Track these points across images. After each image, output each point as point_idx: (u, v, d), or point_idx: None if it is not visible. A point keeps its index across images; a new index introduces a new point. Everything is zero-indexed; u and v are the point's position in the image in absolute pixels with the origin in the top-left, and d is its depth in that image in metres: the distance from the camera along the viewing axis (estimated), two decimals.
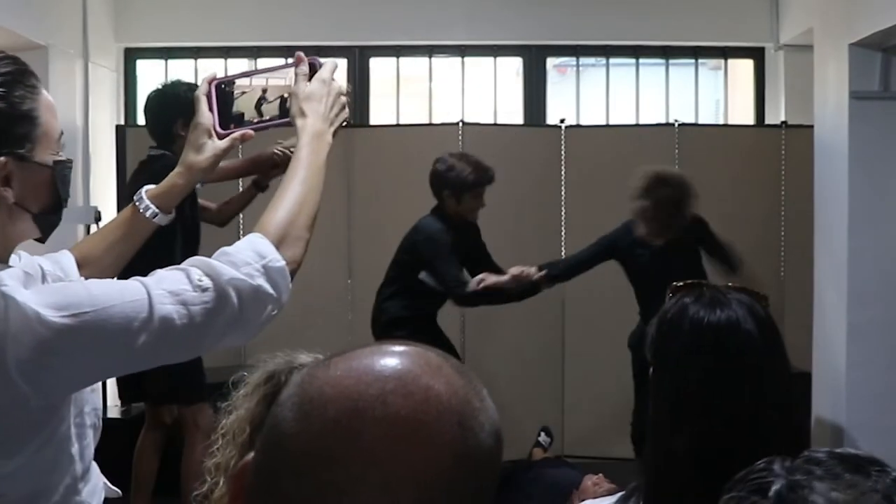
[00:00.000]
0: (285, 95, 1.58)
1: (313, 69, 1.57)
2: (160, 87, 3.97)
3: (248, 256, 1.36)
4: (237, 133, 1.57)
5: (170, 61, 5.84)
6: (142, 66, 5.90)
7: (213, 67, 5.92)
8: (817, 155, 4.52)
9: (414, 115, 5.82)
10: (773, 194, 5.35)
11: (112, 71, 5.65)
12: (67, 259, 1.52)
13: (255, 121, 1.58)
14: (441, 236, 4.26)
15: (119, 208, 5.04)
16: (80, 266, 1.52)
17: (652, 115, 5.75)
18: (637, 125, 5.69)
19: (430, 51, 5.81)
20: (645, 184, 4.22)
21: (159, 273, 1.32)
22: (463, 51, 5.81)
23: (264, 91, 1.61)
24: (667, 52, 5.83)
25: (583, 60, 5.96)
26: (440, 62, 5.93)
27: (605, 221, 5.33)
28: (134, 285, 1.29)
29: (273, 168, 3.77)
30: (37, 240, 1.41)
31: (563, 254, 5.37)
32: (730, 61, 5.97)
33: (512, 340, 5.30)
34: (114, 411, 4.97)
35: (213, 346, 1.36)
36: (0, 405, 1.22)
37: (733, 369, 1.46)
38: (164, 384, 3.68)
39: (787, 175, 5.33)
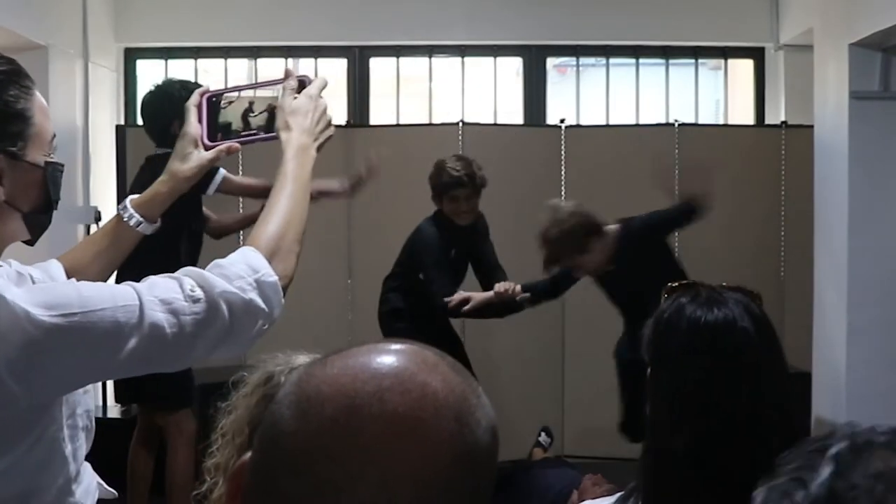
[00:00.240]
0: (273, 109, 1.59)
1: (302, 85, 1.59)
2: (154, 87, 3.96)
3: (241, 270, 1.36)
4: (223, 146, 1.59)
5: (170, 61, 5.84)
6: (142, 66, 5.90)
7: (213, 67, 5.92)
8: (817, 155, 4.52)
9: (414, 115, 5.82)
10: (773, 194, 5.35)
11: (112, 71, 5.65)
12: (56, 268, 1.52)
13: (242, 133, 1.60)
14: (432, 241, 4.27)
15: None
16: (68, 275, 1.52)
17: (652, 115, 5.74)
18: (637, 125, 5.69)
19: (430, 51, 5.81)
20: (544, 239, 4.07)
21: (152, 279, 1.32)
22: (463, 51, 5.81)
23: (251, 103, 1.63)
24: (667, 52, 5.83)
25: (583, 60, 5.96)
26: (440, 62, 5.93)
27: (605, 221, 5.34)
28: (126, 290, 1.28)
29: None
30: (25, 242, 1.40)
31: None
32: (730, 61, 5.97)
33: (512, 340, 5.30)
34: (113, 411, 4.98)
35: (204, 357, 1.35)
36: None
37: (731, 368, 1.47)
38: (152, 389, 3.68)
39: (787, 175, 5.33)
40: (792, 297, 5.22)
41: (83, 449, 1.41)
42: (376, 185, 4.45)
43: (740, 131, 5.70)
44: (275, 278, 1.39)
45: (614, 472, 3.74)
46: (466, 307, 4.07)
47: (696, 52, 5.89)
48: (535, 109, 5.92)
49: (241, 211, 5.22)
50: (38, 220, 1.39)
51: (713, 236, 5.33)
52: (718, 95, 6.17)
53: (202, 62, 5.87)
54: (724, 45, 5.88)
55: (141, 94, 5.87)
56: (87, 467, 1.44)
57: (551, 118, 5.79)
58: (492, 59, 5.86)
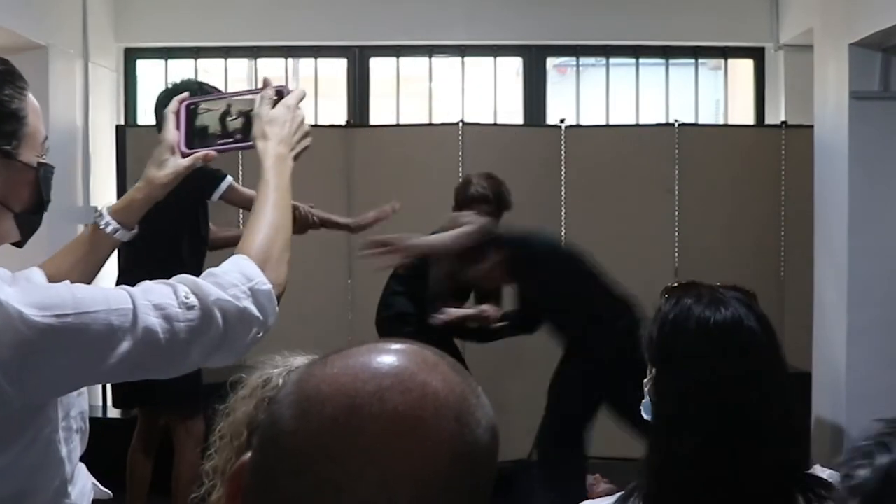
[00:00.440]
0: (249, 116, 1.60)
1: (280, 95, 1.60)
2: (171, 85, 3.97)
3: (235, 278, 1.36)
4: (200, 153, 1.59)
5: (170, 61, 5.84)
6: (142, 66, 5.90)
7: (213, 67, 5.92)
8: (817, 155, 4.52)
9: (414, 115, 5.82)
10: (773, 194, 5.35)
11: (112, 71, 5.65)
12: (38, 276, 1.51)
13: (219, 142, 1.61)
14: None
15: None
16: (50, 283, 1.52)
17: (652, 115, 5.74)
18: (637, 125, 5.69)
19: (430, 51, 5.81)
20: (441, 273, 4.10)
21: (146, 284, 1.32)
22: (463, 51, 5.81)
23: (229, 106, 1.63)
24: (667, 52, 5.83)
25: (583, 60, 5.96)
26: (440, 62, 5.93)
27: (605, 221, 5.35)
28: (120, 293, 1.28)
29: (303, 227, 3.83)
30: (14, 244, 1.40)
31: None
32: (730, 61, 5.97)
33: (512, 340, 5.29)
34: (113, 412, 4.98)
35: (198, 365, 1.35)
36: None
37: (739, 367, 1.49)
38: (165, 394, 3.67)
39: (787, 175, 5.33)
40: (792, 297, 5.22)
41: (78, 451, 1.40)
42: (376, 185, 4.47)
43: (740, 131, 5.70)
44: (269, 286, 1.39)
45: (614, 472, 3.74)
46: (445, 318, 4.06)
47: (696, 52, 5.89)
48: (535, 109, 5.92)
49: (241, 223, 5.23)
50: (29, 221, 1.39)
51: (713, 236, 5.33)
52: (718, 95, 6.17)
53: (202, 62, 5.87)
54: (724, 45, 5.88)
55: (141, 94, 5.91)
56: (81, 468, 1.44)
57: (551, 118, 5.79)
58: (492, 59, 5.86)
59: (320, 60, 5.88)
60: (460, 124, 5.31)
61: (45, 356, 1.21)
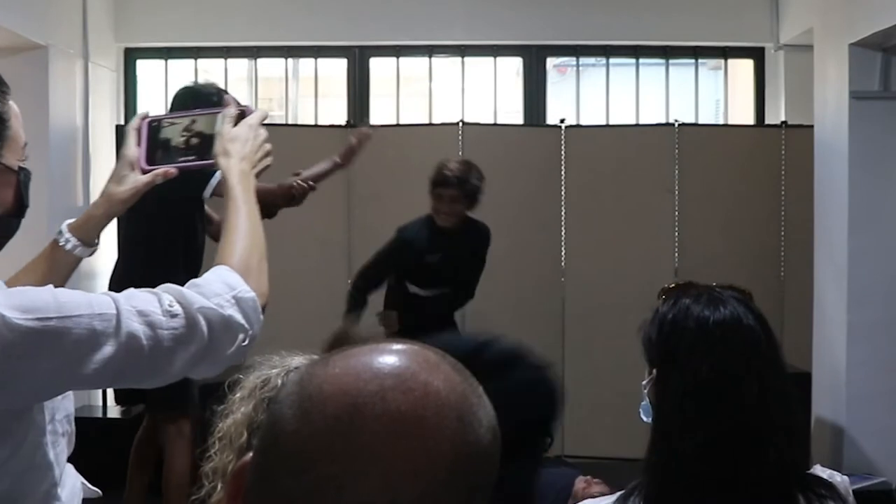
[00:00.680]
0: (212, 134, 1.60)
1: (243, 114, 1.60)
2: (191, 84, 3.96)
3: (219, 287, 1.36)
4: (160, 170, 1.59)
5: (170, 61, 5.84)
6: (142, 66, 5.90)
7: (213, 67, 5.92)
8: (817, 155, 4.52)
9: (414, 115, 5.83)
10: (773, 194, 5.35)
11: (112, 71, 5.65)
12: None
13: (180, 159, 1.61)
14: (397, 235, 4.32)
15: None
16: None
17: (652, 115, 5.74)
18: (637, 125, 5.69)
19: (430, 51, 5.81)
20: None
21: (130, 291, 1.31)
22: (463, 51, 5.81)
23: (191, 123, 1.64)
24: (667, 52, 5.83)
25: (583, 60, 5.95)
26: (440, 62, 5.93)
27: (605, 221, 5.35)
28: (103, 299, 1.27)
29: (290, 199, 3.80)
30: None
31: (563, 254, 5.38)
32: (730, 61, 5.97)
33: (512, 339, 5.30)
34: (113, 411, 4.98)
35: (183, 374, 1.34)
36: None
37: (740, 365, 1.49)
38: (156, 394, 3.67)
39: (787, 175, 5.33)
40: (792, 297, 5.22)
41: (65, 453, 1.40)
42: (376, 185, 4.47)
43: (740, 131, 5.70)
44: (252, 294, 1.39)
45: (614, 472, 3.74)
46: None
47: (696, 52, 5.89)
48: (535, 109, 5.92)
49: None
50: (8, 224, 1.38)
51: (713, 236, 5.33)
52: (718, 95, 6.17)
53: (202, 62, 5.87)
54: (724, 45, 5.88)
55: (141, 94, 5.91)
56: (69, 469, 1.43)
57: (551, 118, 5.79)
58: (492, 59, 5.86)
59: (320, 60, 5.88)
60: (460, 124, 5.31)
61: (27, 361, 1.19)
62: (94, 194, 5.25)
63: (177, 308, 1.30)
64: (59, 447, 1.36)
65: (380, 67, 5.92)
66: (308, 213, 4.43)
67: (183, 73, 5.86)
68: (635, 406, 1.67)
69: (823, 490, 1.48)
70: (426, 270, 4.31)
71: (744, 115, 6.00)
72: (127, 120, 5.70)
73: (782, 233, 5.38)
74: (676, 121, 5.44)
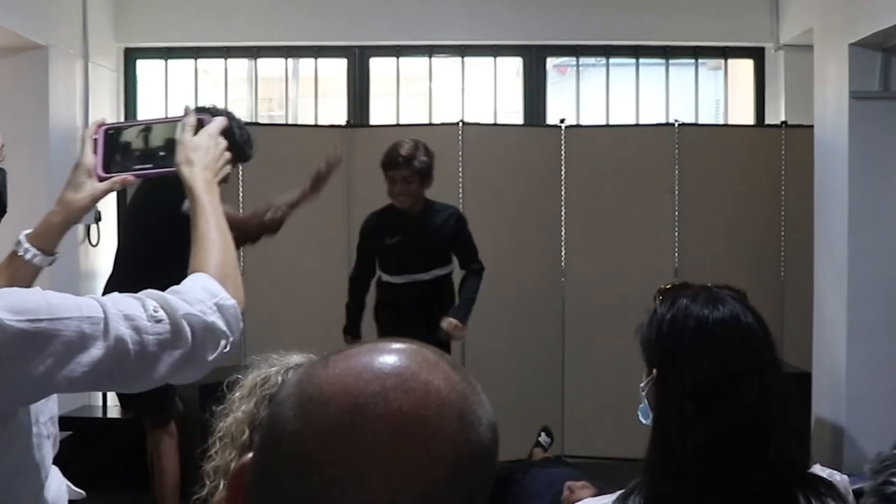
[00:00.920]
0: (170, 142, 1.60)
1: (201, 124, 1.60)
2: (212, 107, 3.99)
3: (201, 294, 1.37)
4: (117, 178, 1.59)
5: (170, 61, 5.84)
6: (142, 66, 5.90)
7: (213, 67, 5.93)
8: (817, 155, 4.52)
9: (414, 115, 5.83)
10: (773, 194, 5.35)
11: (112, 71, 5.65)
12: None
13: (137, 166, 1.61)
14: (362, 227, 4.41)
15: (119, 209, 5.04)
16: None
17: (652, 115, 5.75)
18: (637, 125, 5.69)
19: (430, 51, 5.81)
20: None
21: (115, 295, 1.32)
22: (463, 51, 5.81)
23: (149, 131, 1.63)
24: (667, 52, 5.83)
25: (583, 60, 5.96)
26: (440, 62, 5.93)
27: (605, 221, 5.35)
28: (90, 302, 1.28)
29: (265, 229, 3.89)
30: None
31: (563, 254, 5.38)
32: (730, 61, 5.97)
33: (512, 340, 5.30)
34: (114, 411, 4.98)
35: (165, 380, 1.34)
36: None
37: (739, 363, 1.50)
38: (140, 397, 3.69)
39: (787, 175, 5.33)
40: (792, 297, 5.22)
41: (50, 456, 1.40)
42: (376, 185, 4.45)
43: (740, 131, 5.70)
44: (233, 302, 1.40)
45: (614, 472, 3.75)
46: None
47: (696, 52, 5.89)
48: (535, 109, 5.92)
49: (240, 208, 5.22)
50: None
51: (713, 236, 5.34)
52: (718, 95, 6.17)
53: (202, 62, 5.87)
54: (724, 45, 5.88)
55: (141, 94, 5.91)
56: (54, 472, 1.44)
57: (551, 118, 5.79)
58: (492, 59, 5.86)
59: (320, 60, 5.88)
60: (460, 124, 5.32)
61: (17, 361, 1.20)
62: None
63: (161, 314, 1.30)
64: (44, 450, 1.36)
65: (380, 67, 5.92)
66: (308, 213, 4.43)
67: (183, 73, 5.86)
68: (635, 406, 1.67)
69: (823, 489, 1.49)
70: (388, 254, 4.33)
71: (744, 115, 6.00)
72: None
73: (782, 233, 5.38)
74: (676, 121, 5.44)
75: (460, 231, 4.39)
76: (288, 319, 4.94)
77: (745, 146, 5.46)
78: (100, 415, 4.94)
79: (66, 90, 4.99)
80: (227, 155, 1.60)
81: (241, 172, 5.18)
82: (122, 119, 5.71)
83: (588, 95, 5.93)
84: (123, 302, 1.30)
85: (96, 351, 1.24)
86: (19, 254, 1.55)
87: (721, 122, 6.04)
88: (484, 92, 5.86)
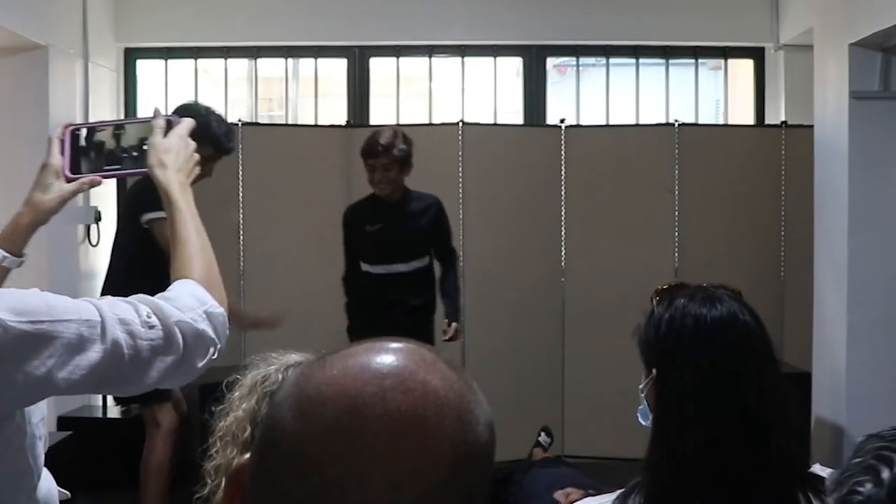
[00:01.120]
0: (140, 143, 1.59)
1: (170, 125, 1.59)
2: (181, 105, 4.03)
3: (191, 302, 1.37)
4: (85, 179, 1.58)
5: (170, 61, 5.84)
6: (142, 66, 5.90)
7: (213, 67, 5.93)
8: (817, 155, 4.52)
9: (414, 115, 5.83)
10: (773, 194, 5.35)
11: (112, 71, 5.65)
12: None
13: (105, 168, 1.59)
14: (344, 219, 4.43)
15: (118, 209, 5.04)
16: None
17: (652, 115, 5.75)
18: (637, 125, 5.69)
19: (430, 51, 5.81)
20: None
21: (110, 299, 1.32)
22: (463, 51, 5.81)
23: (117, 132, 1.61)
24: (667, 52, 5.83)
25: (583, 60, 5.96)
26: (440, 62, 5.93)
27: (605, 221, 5.35)
28: (88, 306, 1.28)
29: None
30: None
31: (563, 254, 5.38)
32: (730, 61, 5.97)
33: (512, 339, 5.30)
34: (114, 411, 4.98)
35: (159, 384, 1.35)
36: None
37: (738, 362, 1.50)
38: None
39: (787, 175, 5.33)
40: (792, 297, 5.22)
41: (42, 457, 1.40)
42: None
43: (740, 131, 5.70)
44: (221, 310, 1.40)
45: (614, 472, 3.75)
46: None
47: (696, 52, 5.89)
48: (535, 109, 5.92)
49: (241, 208, 5.23)
50: None
51: (713, 236, 5.34)
52: (718, 95, 6.17)
53: (202, 62, 5.88)
54: (724, 45, 5.88)
55: (141, 94, 5.91)
56: (45, 473, 1.44)
57: (551, 118, 5.79)
58: (492, 59, 5.86)
59: (320, 60, 5.88)
60: (460, 124, 5.32)
61: (18, 363, 1.19)
62: (95, 194, 5.27)
63: (154, 320, 1.31)
64: (37, 450, 1.36)
65: (380, 67, 5.92)
66: (308, 213, 4.44)
67: (183, 73, 5.86)
68: (635, 406, 1.67)
69: (823, 488, 1.49)
70: (369, 242, 4.34)
71: (744, 115, 6.01)
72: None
73: (782, 233, 5.38)
74: (676, 121, 5.44)
75: (440, 219, 4.43)
76: (288, 319, 4.94)
77: (745, 146, 5.46)
78: (100, 415, 4.94)
79: (66, 90, 4.99)
80: (196, 157, 1.59)
81: (241, 172, 5.18)
82: (123, 118, 5.70)
83: (588, 95, 5.93)
84: (118, 306, 1.30)
85: (94, 354, 1.24)
86: None
87: (721, 122, 6.05)
88: (484, 92, 5.86)
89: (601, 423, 5.17)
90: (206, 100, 5.79)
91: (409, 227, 4.35)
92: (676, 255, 5.34)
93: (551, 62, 6.11)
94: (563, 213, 5.36)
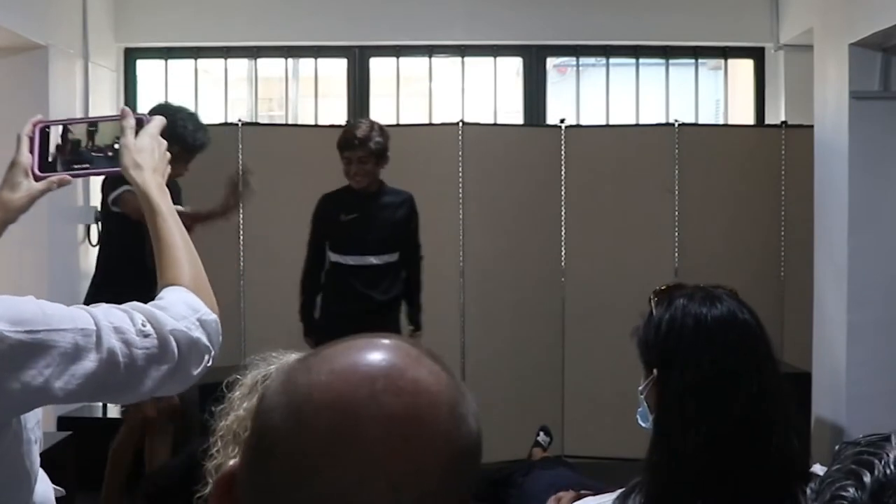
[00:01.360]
0: (111, 142, 1.56)
1: (140, 124, 1.56)
2: (163, 104, 4.07)
3: (184, 310, 1.36)
4: (55, 177, 1.55)
5: (170, 61, 5.84)
6: (142, 66, 5.90)
7: (213, 67, 5.92)
8: (817, 155, 4.52)
9: (414, 115, 5.83)
10: (773, 194, 5.35)
11: (112, 71, 5.65)
12: None
13: (75, 166, 1.57)
14: (315, 212, 4.42)
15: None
16: None
17: (652, 115, 5.75)
18: (637, 125, 5.69)
19: (430, 51, 5.81)
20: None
21: (105, 306, 1.31)
22: (463, 51, 5.81)
23: (88, 130, 1.58)
24: (667, 52, 5.83)
25: (583, 60, 5.96)
26: (440, 62, 5.93)
27: (605, 221, 5.35)
28: (83, 314, 1.27)
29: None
30: None
31: (563, 254, 5.38)
32: (730, 61, 5.97)
33: (512, 339, 5.30)
34: (114, 411, 4.97)
35: (153, 392, 1.35)
36: None
37: (739, 360, 1.50)
38: None
39: (787, 175, 5.33)
40: (792, 297, 5.22)
41: (37, 461, 1.40)
42: None
43: (740, 131, 5.70)
44: (214, 317, 1.40)
45: (614, 472, 3.75)
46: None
47: (696, 52, 5.89)
48: (535, 109, 5.92)
49: (241, 210, 5.22)
50: None
51: (713, 236, 5.33)
52: (718, 95, 6.17)
53: (202, 62, 5.87)
54: (724, 45, 5.88)
55: (141, 94, 5.91)
56: (41, 475, 1.43)
57: (551, 118, 5.79)
58: (492, 59, 5.86)
59: (320, 60, 5.88)
60: (460, 124, 5.31)
61: (15, 372, 1.19)
62: (95, 194, 5.27)
63: (149, 328, 1.30)
64: (33, 454, 1.36)
65: (380, 67, 5.92)
66: (308, 213, 4.43)
67: (183, 73, 5.86)
68: (635, 406, 1.67)
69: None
70: (343, 232, 4.34)
71: (744, 115, 6.01)
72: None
73: (782, 233, 5.38)
74: (676, 121, 5.44)
75: (413, 216, 4.45)
76: (288, 319, 4.94)
77: (745, 146, 5.46)
78: (100, 415, 4.94)
79: (66, 90, 4.99)
80: (168, 155, 1.57)
81: (241, 172, 5.18)
82: None
83: (588, 95, 5.93)
84: (113, 314, 1.30)
85: (90, 363, 1.24)
86: None
87: (721, 122, 6.05)
88: (484, 92, 5.86)
89: (601, 423, 5.17)
90: (206, 100, 5.81)
91: (383, 219, 4.37)
92: (676, 255, 5.33)
93: (551, 62, 6.11)
94: (563, 213, 5.36)
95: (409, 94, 6.14)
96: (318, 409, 0.67)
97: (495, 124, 5.66)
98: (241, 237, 5.23)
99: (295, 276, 4.80)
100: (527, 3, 5.66)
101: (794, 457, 1.49)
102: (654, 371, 1.57)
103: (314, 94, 5.87)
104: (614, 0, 5.69)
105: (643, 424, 1.62)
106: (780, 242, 5.38)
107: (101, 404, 5.02)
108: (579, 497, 1.88)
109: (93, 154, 1.57)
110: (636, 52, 5.83)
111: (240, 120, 5.29)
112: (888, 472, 0.75)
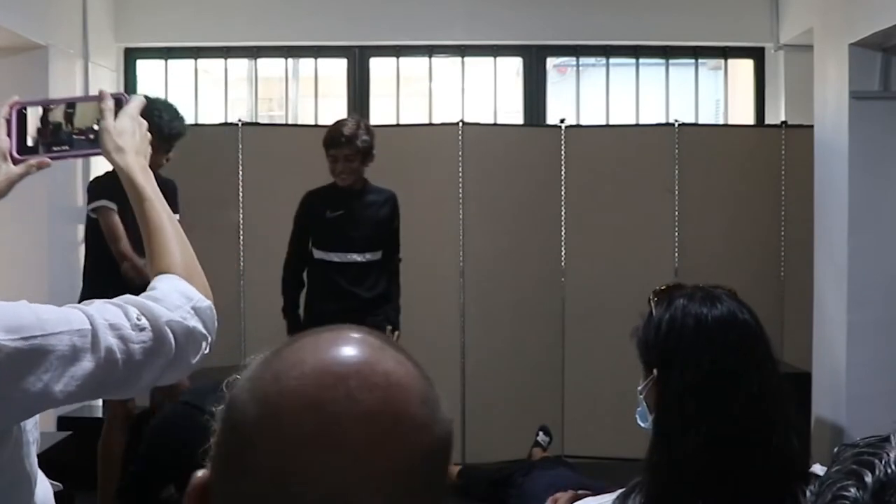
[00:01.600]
0: (91, 123, 1.53)
1: (119, 104, 1.53)
2: (150, 97, 4.08)
3: (178, 299, 1.35)
4: (34, 160, 1.50)
5: (170, 61, 5.84)
6: (142, 66, 5.90)
7: (213, 67, 5.93)
8: (817, 155, 4.52)
9: (414, 115, 5.83)
10: (773, 194, 5.35)
11: (112, 71, 5.65)
12: None
13: (55, 148, 1.52)
14: (298, 209, 4.40)
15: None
16: None
17: (652, 115, 5.75)
18: (637, 125, 5.69)
19: (430, 51, 5.81)
20: None
21: (98, 303, 1.30)
22: (463, 51, 5.81)
23: (66, 112, 1.54)
24: (667, 52, 5.83)
25: (583, 60, 5.96)
26: (440, 62, 5.93)
27: (606, 221, 5.35)
28: (78, 314, 1.26)
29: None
30: None
31: (562, 254, 5.38)
32: (730, 61, 5.97)
33: (512, 339, 5.30)
34: None
35: (152, 384, 1.34)
36: None
37: (739, 360, 1.50)
38: None
39: (787, 175, 5.33)
40: (792, 297, 5.22)
41: (36, 461, 1.40)
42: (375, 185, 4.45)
43: (740, 131, 5.70)
44: (208, 303, 1.39)
45: (614, 471, 3.75)
46: None
47: (696, 52, 5.89)
48: (535, 109, 5.92)
49: (241, 208, 5.23)
50: None
51: (713, 236, 5.34)
52: (718, 95, 6.17)
53: (202, 62, 5.87)
54: (724, 45, 5.88)
55: (141, 94, 5.91)
56: (39, 475, 1.43)
57: (551, 118, 5.79)
58: (492, 59, 5.86)
59: (320, 60, 5.88)
60: (460, 124, 5.31)
61: (14, 380, 1.18)
62: None
63: (144, 322, 1.29)
64: (32, 456, 1.36)
65: (380, 67, 5.92)
66: None
67: (183, 73, 5.86)
68: (635, 406, 1.67)
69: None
70: (328, 229, 4.33)
71: (744, 115, 6.01)
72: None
73: (782, 233, 5.38)
74: (676, 121, 5.44)
75: (395, 213, 4.44)
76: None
77: (745, 146, 5.46)
78: (100, 415, 4.94)
79: (66, 90, 4.98)
80: (148, 135, 1.54)
81: (241, 172, 5.18)
82: None
83: (588, 95, 5.93)
84: (107, 310, 1.29)
85: (87, 364, 1.23)
86: None
87: (721, 122, 6.05)
88: (484, 92, 5.86)
89: (601, 423, 5.17)
90: (206, 100, 5.82)
91: (368, 217, 4.37)
92: (676, 255, 5.33)
93: (551, 62, 6.11)
94: (563, 213, 5.36)
95: (409, 94, 6.14)
96: (294, 415, 0.67)
97: (495, 124, 5.66)
98: (241, 237, 5.23)
99: None
100: (527, 3, 5.66)
101: (794, 457, 1.49)
102: (654, 371, 1.57)
103: (314, 94, 5.87)
104: (614, 0, 5.69)
105: (642, 424, 1.63)
106: (780, 242, 5.39)
107: (100, 404, 5.01)
108: (577, 497, 1.88)
109: (73, 136, 1.53)
110: (636, 52, 5.83)
111: (240, 120, 5.29)
112: (889, 471, 0.75)
